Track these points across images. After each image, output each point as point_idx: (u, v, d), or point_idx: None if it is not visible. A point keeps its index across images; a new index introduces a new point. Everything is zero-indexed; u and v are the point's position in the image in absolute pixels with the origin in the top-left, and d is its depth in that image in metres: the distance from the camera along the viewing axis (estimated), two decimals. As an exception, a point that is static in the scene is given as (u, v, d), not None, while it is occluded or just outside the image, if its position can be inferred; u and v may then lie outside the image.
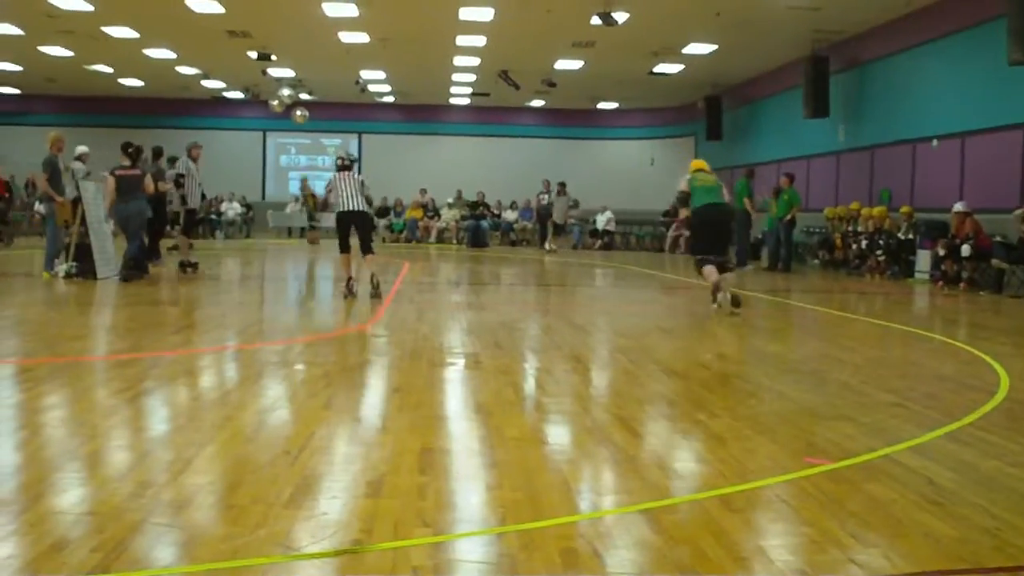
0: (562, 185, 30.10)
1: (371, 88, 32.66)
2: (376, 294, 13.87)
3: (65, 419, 6.26)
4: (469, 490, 4.83)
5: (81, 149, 18.64)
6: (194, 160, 17.84)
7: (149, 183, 15.69)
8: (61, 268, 15.39)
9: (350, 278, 14.13)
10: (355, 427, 6.23)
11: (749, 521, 4.48)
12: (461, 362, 8.74)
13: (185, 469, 5.04)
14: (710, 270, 12.88)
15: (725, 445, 5.82)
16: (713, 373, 8.57)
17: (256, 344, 9.66)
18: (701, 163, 13.91)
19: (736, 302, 12.87)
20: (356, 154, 35.72)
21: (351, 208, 13.91)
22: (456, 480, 5.02)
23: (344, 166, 14.14)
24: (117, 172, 15.59)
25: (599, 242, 32.37)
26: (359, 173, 14.44)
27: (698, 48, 24.86)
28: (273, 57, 26.67)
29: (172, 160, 18.28)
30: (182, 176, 17.59)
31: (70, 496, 4.59)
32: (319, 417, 6.39)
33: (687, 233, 21.33)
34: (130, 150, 15.78)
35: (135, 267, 15.48)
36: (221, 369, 8.56)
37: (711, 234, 13.11)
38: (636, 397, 7.51)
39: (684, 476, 5.29)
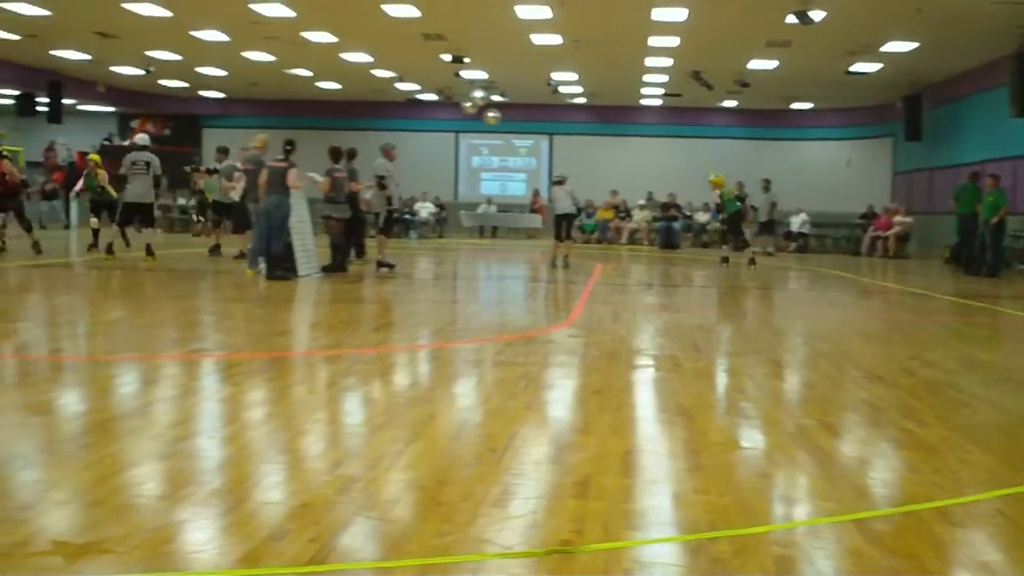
0: (767, 182, 29.50)
1: (562, 89, 32.74)
2: (566, 264, 20.78)
3: (273, 413, 6.42)
4: (676, 494, 4.77)
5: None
6: (390, 161, 18.17)
7: (292, 178, 15.85)
8: (263, 266, 15.83)
9: (555, 256, 21.17)
10: (557, 428, 6.23)
11: (969, 535, 4.31)
12: (659, 364, 8.66)
13: (393, 465, 5.11)
14: None
15: (938, 455, 5.62)
16: (920, 380, 8.29)
17: (454, 343, 9.77)
18: (720, 179, 23.24)
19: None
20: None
21: (566, 211, 21.12)
22: (662, 483, 4.97)
23: (559, 181, 21.70)
24: (269, 164, 15.97)
25: (793, 244, 31.79)
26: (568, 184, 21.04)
27: (898, 46, 24.17)
28: (466, 59, 26.97)
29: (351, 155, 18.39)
30: (383, 177, 17.91)
31: (283, 489, 4.70)
32: (521, 417, 6.41)
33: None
34: (288, 146, 16.07)
35: (282, 267, 15.63)
36: (421, 367, 8.67)
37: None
38: (839, 403, 7.33)
39: (895, 486, 5.13)
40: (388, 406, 6.76)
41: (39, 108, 31.41)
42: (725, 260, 23.66)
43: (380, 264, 17.89)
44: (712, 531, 4.20)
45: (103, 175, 20.97)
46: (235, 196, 19.30)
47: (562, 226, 20.79)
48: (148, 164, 18.51)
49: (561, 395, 7.42)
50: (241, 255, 19.17)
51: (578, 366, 8.59)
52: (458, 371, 8.31)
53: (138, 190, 18.52)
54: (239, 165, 19.28)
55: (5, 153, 20.58)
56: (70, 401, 6.85)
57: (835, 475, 5.20)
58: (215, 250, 20.80)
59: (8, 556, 3.71)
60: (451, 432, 5.97)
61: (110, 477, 4.85)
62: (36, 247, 19.73)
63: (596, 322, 11.67)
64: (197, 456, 5.29)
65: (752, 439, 6.07)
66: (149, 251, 18.64)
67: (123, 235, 20.16)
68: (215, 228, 21.56)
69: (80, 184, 21.60)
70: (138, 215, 18.98)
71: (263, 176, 15.85)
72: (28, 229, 20.20)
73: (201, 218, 25.07)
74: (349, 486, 4.73)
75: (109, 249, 19.11)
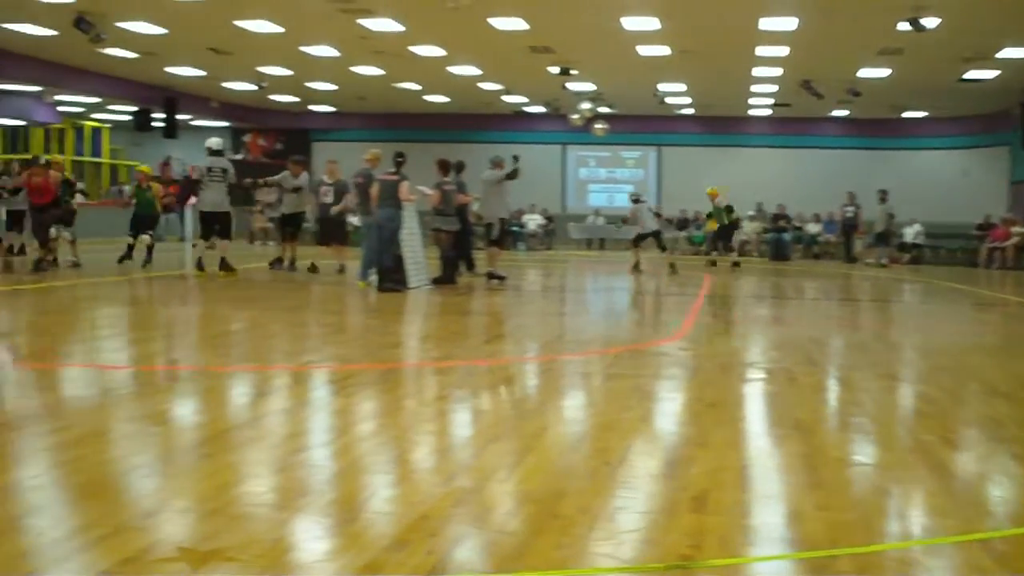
0: (883, 193, 29.02)
1: (670, 100, 32.59)
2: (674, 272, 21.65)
3: (387, 425, 6.47)
4: (794, 510, 4.69)
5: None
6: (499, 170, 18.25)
7: (404, 191, 15.91)
8: (374, 278, 15.97)
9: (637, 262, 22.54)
10: (671, 441, 6.19)
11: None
12: (773, 378, 8.55)
13: (507, 478, 5.11)
14: None
15: (1068, 473, 5.47)
16: (1045, 395, 8.08)
17: (564, 355, 9.75)
18: (716, 191, 26.32)
19: None
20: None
21: (651, 229, 22.58)
22: (780, 499, 4.90)
23: (637, 199, 22.99)
24: (380, 177, 16.05)
25: (907, 256, 31.21)
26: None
27: (1014, 52, 23.62)
28: (573, 71, 26.98)
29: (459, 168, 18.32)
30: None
31: (399, 500, 4.73)
32: (634, 429, 6.37)
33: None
34: (398, 159, 16.15)
35: (392, 280, 15.66)
36: (532, 379, 8.67)
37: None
38: (960, 418, 7.17)
39: (1019, 504, 5.00)
40: (500, 418, 6.77)
41: (155, 124, 32.12)
42: (713, 263, 26.05)
43: (491, 276, 17.95)
44: (833, 548, 4.12)
45: (158, 188, 20.58)
46: (333, 211, 18.99)
47: (644, 239, 21.81)
48: (225, 171, 17.77)
49: (674, 408, 7.36)
50: (341, 269, 19.05)
51: (691, 379, 8.52)
52: (569, 383, 8.30)
53: (215, 198, 17.74)
54: (327, 180, 19.35)
55: (45, 160, 19.89)
56: (189, 411, 6.98)
57: (957, 492, 5.09)
58: (277, 263, 19.90)
59: (134, 561, 3.78)
60: (565, 445, 5.96)
61: (229, 486, 4.93)
62: (38, 264, 17.95)
63: (707, 334, 11.58)
64: (313, 467, 5.34)
65: (871, 454, 5.96)
66: (225, 266, 17.77)
67: (205, 249, 18.55)
68: (284, 241, 20.19)
69: (128, 195, 21.28)
70: (216, 225, 18.02)
71: (374, 189, 15.99)
72: (43, 243, 18.28)
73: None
74: (465, 498, 4.75)
75: (199, 265, 17.92)
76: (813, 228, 33.35)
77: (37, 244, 18.43)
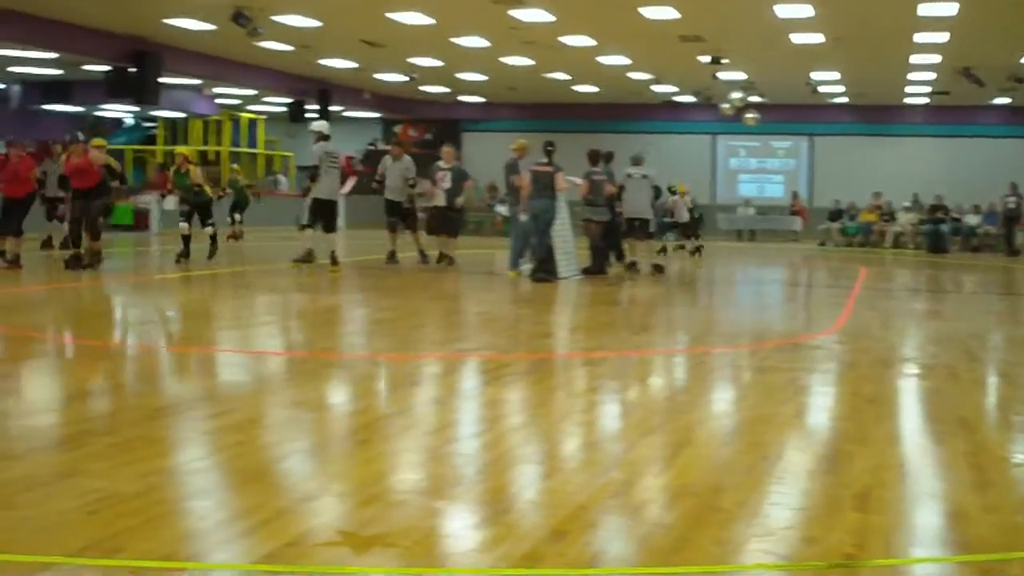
0: None
1: (822, 89, 31.96)
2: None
3: (541, 415, 6.48)
4: (962, 510, 4.54)
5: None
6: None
7: (560, 182, 15.85)
8: (526, 267, 16.01)
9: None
10: (829, 436, 6.07)
11: None
12: (933, 373, 8.32)
13: (664, 471, 5.08)
14: None
15: None
16: None
17: (716, 347, 9.64)
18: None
19: None
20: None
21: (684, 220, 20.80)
22: (945, 499, 4.77)
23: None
24: (534, 168, 16.00)
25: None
26: None
27: None
28: (724, 60, 26.65)
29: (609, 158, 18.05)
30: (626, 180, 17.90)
31: (557, 491, 4.72)
32: (790, 424, 6.28)
33: None
34: (548, 148, 16.10)
35: (544, 270, 15.60)
36: (684, 371, 8.60)
37: None
38: None
39: None
40: (653, 411, 6.72)
41: (309, 115, 32.71)
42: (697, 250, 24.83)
43: (656, 267, 17.94)
44: (1005, 552, 3.99)
45: (196, 172, 17.91)
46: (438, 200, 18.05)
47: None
48: (337, 158, 16.98)
49: (831, 403, 7.22)
50: (444, 259, 18.07)
51: (847, 374, 8.34)
52: (721, 376, 8.21)
53: (332, 186, 16.92)
54: (443, 165, 18.27)
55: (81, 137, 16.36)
56: (344, 399, 7.09)
57: None
58: (392, 257, 18.32)
59: (296, 545, 3.85)
60: (719, 438, 5.90)
61: (386, 474, 5.00)
62: (77, 261, 15.56)
63: (864, 328, 11.32)
64: (467, 456, 5.38)
65: (1040, 454, 5.76)
66: (334, 260, 16.66)
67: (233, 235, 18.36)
68: (391, 232, 18.52)
69: (168, 184, 18.52)
70: (322, 215, 16.95)
71: (523, 179, 16.02)
72: (94, 235, 15.72)
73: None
74: (621, 490, 4.73)
75: (333, 260, 16.49)
76: (972, 219, 32.37)
77: (71, 237, 15.87)
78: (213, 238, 17.59)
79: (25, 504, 4.22)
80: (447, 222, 18.22)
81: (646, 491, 4.76)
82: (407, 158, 18.49)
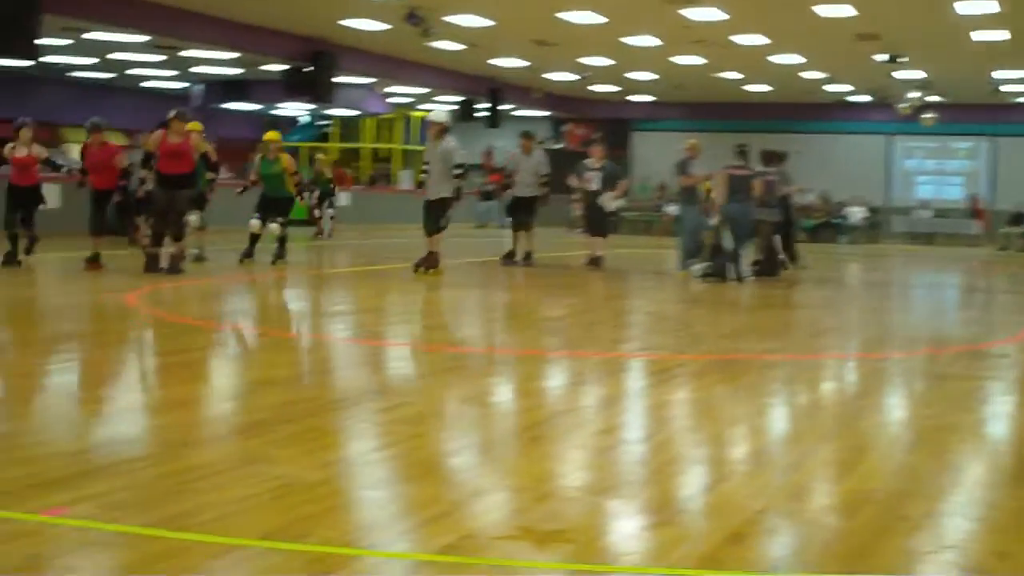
0: None
1: (1004, 88, 30.90)
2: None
3: (715, 415, 6.41)
4: None
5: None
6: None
7: (757, 185, 15.64)
8: (697, 267, 15.85)
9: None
10: (1020, 449, 5.84)
11: None
12: None
13: (847, 475, 4.95)
14: None
15: None
16: None
17: (895, 353, 9.40)
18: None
19: None
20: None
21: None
22: None
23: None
24: (730, 170, 15.75)
25: None
26: None
27: None
28: (901, 59, 26.00)
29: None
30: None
31: (735, 492, 4.64)
32: (976, 434, 6.11)
33: None
34: (742, 150, 15.86)
35: (727, 270, 15.33)
36: (863, 376, 8.41)
37: None
38: None
39: None
40: (832, 415, 6.57)
41: (479, 114, 33.01)
42: None
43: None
44: None
45: (288, 162, 15.90)
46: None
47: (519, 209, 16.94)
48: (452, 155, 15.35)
49: (1019, 414, 6.95)
50: (592, 261, 17.21)
51: (1039, 384, 8.03)
52: (901, 382, 8.00)
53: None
54: (592, 164, 17.54)
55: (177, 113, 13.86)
56: (516, 395, 7.11)
57: None
58: (509, 257, 17.48)
59: (474, 537, 3.86)
60: (902, 445, 5.73)
61: (559, 471, 4.99)
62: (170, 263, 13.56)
63: (1050, 335, 10.90)
64: (640, 455, 5.34)
65: None
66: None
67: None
68: (515, 231, 17.63)
69: (253, 173, 16.41)
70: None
71: (693, 180, 15.88)
72: (177, 235, 13.59)
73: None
74: (801, 494, 4.64)
75: (429, 264, 14.88)
76: None
77: (152, 233, 13.99)
78: (282, 240, 15.71)
79: (212, 488, 4.34)
80: (598, 222, 17.47)
81: (826, 496, 4.65)
82: (538, 153, 17.83)
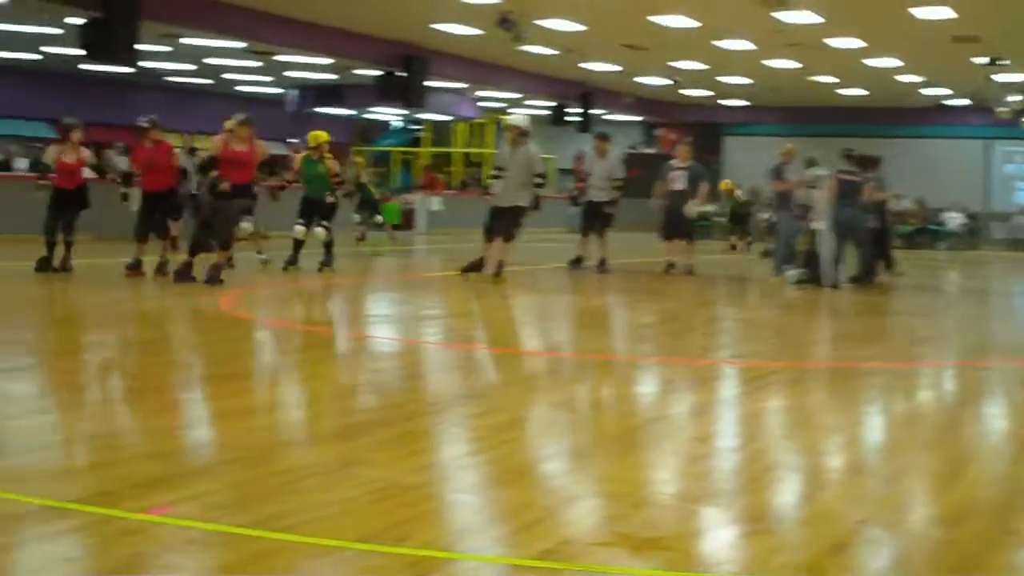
0: None
1: None
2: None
3: (813, 424, 6.33)
4: None
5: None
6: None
7: (867, 191, 15.42)
8: (791, 273, 15.66)
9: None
10: None
11: None
12: None
13: (950, 486, 4.86)
14: None
15: None
16: None
17: (995, 361, 9.21)
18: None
19: None
20: None
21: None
22: None
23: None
24: (839, 175, 15.52)
25: None
26: None
27: None
28: (1003, 61, 25.49)
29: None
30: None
31: (834, 500, 4.58)
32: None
33: None
34: (851, 155, 15.64)
35: (810, 276, 15.09)
36: (963, 385, 8.25)
37: None
38: None
39: None
40: (933, 424, 6.45)
41: (570, 118, 32.98)
42: (734, 247, 25.34)
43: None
44: None
45: (332, 164, 14.87)
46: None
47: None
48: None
49: None
50: (671, 267, 16.71)
51: None
52: (1004, 391, 7.83)
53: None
54: (677, 164, 17.02)
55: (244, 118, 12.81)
56: (609, 400, 7.08)
57: None
58: (576, 262, 16.80)
59: (571, 543, 3.85)
60: (1007, 456, 5.62)
61: (655, 477, 4.97)
62: (174, 271, 12.77)
63: None
64: (737, 463, 5.29)
65: None
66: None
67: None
68: (584, 235, 16.91)
69: (291, 173, 15.42)
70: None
71: (783, 184, 15.70)
72: (225, 243, 12.63)
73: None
74: (904, 504, 4.57)
75: (497, 272, 13.90)
76: None
77: (194, 241, 12.83)
78: (328, 246, 14.70)
79: (312, 489, 4.38)
80: (681, 227, 16.76)
81: (928, 507, 4.57)
82: (613, 155, 17.26)
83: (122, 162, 19.38)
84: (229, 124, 12.76)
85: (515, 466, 5.07)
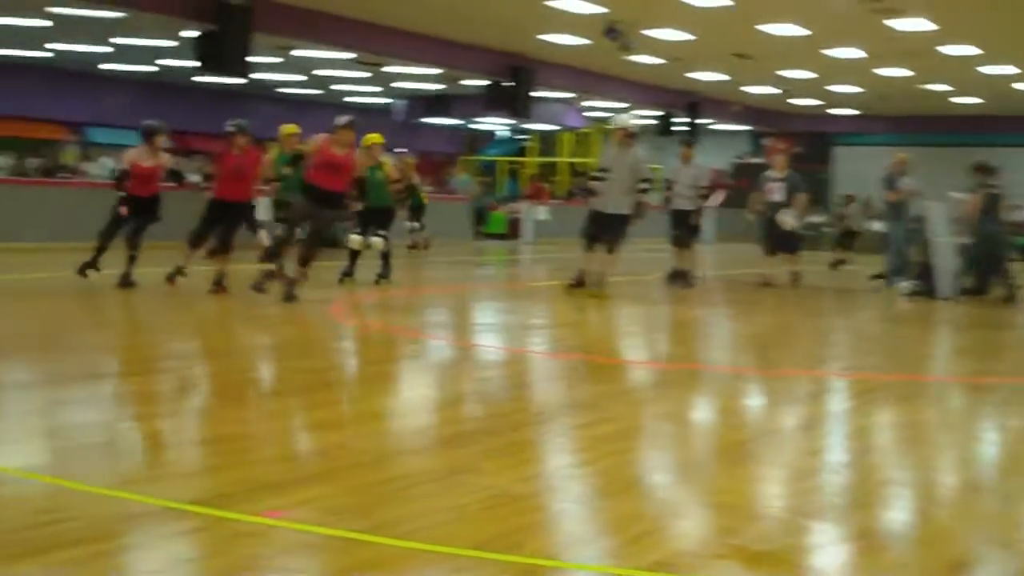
0: None
1: None
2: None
3: (927, 439, 6.24)
4: None
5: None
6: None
7: (1005, 206, 15.09)
8: (904, 284, 15.39)
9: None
10: None
11: None
12: None
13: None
14: None
15: None
16: None
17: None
18: None
19: None
20: None
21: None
22: None
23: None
24: (987, 189, 15.15)
25: None
26: None
27: None
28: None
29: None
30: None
31: (950, 519, 4.51)
32: None
33: None
34: (985, 168, 15.30)
35: (924, 288, 14.74)
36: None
37: None
38: None
39: None
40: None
41: (676, 128, 32.84)
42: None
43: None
44: None
45: (391, 170, 13.64)
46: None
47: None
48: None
49: None
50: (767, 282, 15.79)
51: None
52: None
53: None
54: (774, 174, 16.11)
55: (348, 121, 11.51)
56: (718, 413, 7.03)
57: None
58: (677, 276, 15.58)
59: (685, 554, 3.84)
60: None
61: (767, 490, 4.93)
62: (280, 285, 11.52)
63: None
64: (850, 478, 5.23)
65: None
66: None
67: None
68: (677, 247, 15.88)
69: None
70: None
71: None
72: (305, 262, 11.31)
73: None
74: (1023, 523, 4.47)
75: (601, 285, 13.27)
76: None
77: (271, 250, 12.05)
78: (386, 256, 13.77)
79: (424, 496, 4.42)
80: (784, 240, 15.86)
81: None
82: (699, 163, 16.35)
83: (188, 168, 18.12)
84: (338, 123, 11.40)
85: (623, 477, 5.07)
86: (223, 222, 11.96)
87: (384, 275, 13.81)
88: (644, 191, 13.23)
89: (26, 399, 6.44)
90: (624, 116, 13.88)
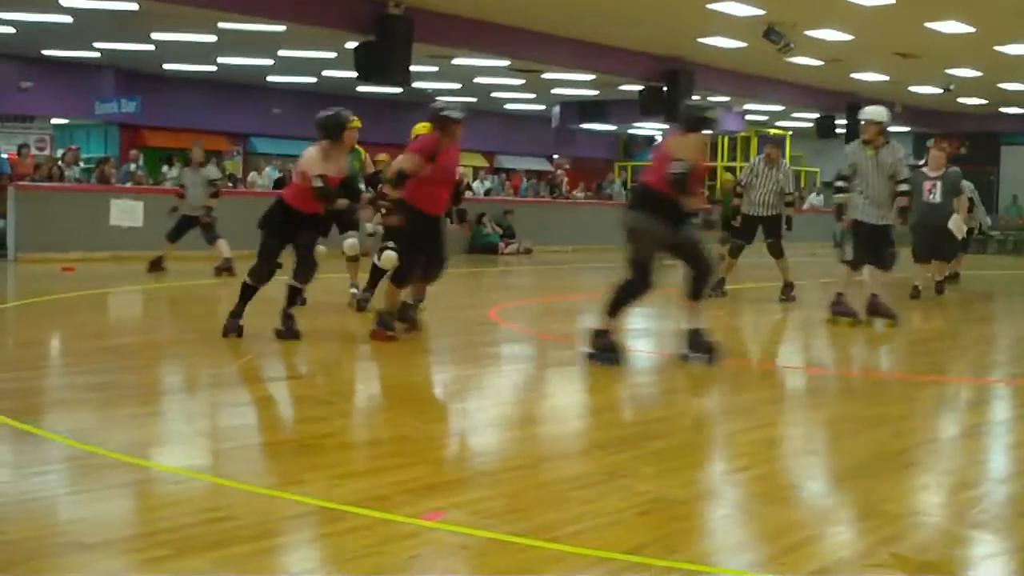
0: None
1: None
2: None
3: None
4: None
5: None
6: None
7: None
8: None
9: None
10: None
11: None
12: None
13: None
14: None
15: None
16: None
17: None
18: None
19: None
20: None
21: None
22: None
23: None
24: None
25: None
26: None
27: None
28: None
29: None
30: None
31: None
32: None
33: None
34: None
35: None
36: None
37: None
38: None
39: None
40: None
41: (837, 130, 32.27)
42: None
43: None
44: None
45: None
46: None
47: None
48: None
49: None
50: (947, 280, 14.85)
51: None
52: None
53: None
54: (930, 173, 14.39)
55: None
56: (882, 419, 6.86)
57: None
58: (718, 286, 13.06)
59: (842, 563, 3.79)
60: None
61: (932, 499, 4.82)
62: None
63: None
64: (1021, 489, 5.07)
65: None
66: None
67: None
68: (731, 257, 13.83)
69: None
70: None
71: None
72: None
73: None
74: None
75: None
76: None
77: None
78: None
79: (580, 501, 4.44)
80: (940, 246, 14.28)
81: None
82: (785, 165, 14.05)
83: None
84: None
85: (782, 484, 5.01)
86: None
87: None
88: (904, 193, 10.92)
89: (192, 402, 6.67)
90: (876, 109, 11.01)
